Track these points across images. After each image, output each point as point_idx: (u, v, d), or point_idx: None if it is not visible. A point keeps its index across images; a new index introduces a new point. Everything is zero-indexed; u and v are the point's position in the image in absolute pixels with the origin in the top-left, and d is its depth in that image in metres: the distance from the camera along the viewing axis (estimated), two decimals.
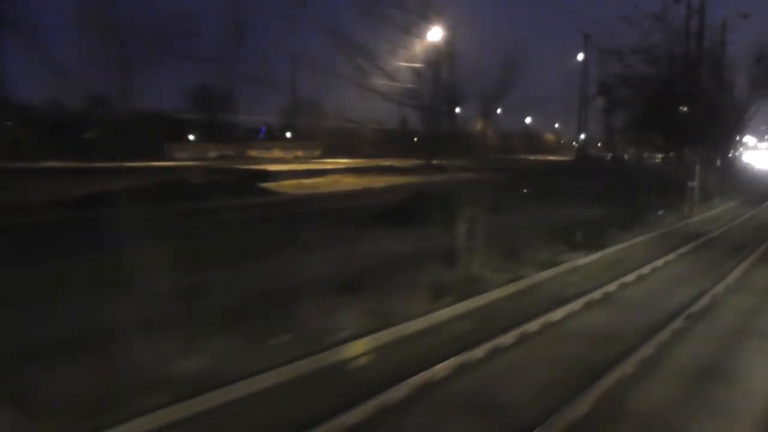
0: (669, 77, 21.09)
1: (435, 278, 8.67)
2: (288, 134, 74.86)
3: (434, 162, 48.52)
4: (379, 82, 9.39)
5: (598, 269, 9.95)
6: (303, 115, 71.70)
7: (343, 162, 45.25)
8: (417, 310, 7.26)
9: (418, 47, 9.72)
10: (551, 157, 71.99)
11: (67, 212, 15.82)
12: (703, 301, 8.00)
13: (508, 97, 11.27)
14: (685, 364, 5.90)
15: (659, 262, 10.55)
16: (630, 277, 9.33)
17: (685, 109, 20.57)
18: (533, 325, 6.83)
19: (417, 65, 9.95)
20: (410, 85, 9.70)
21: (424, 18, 9.36)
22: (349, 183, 31.14)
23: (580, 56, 46.24)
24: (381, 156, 49.33)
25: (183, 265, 9.34)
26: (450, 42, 10.20)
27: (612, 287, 8.71)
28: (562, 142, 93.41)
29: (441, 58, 9.97)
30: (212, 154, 56.80)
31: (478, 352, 5.87)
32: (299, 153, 64.07)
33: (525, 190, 26.27)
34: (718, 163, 25.35)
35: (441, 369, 5.35)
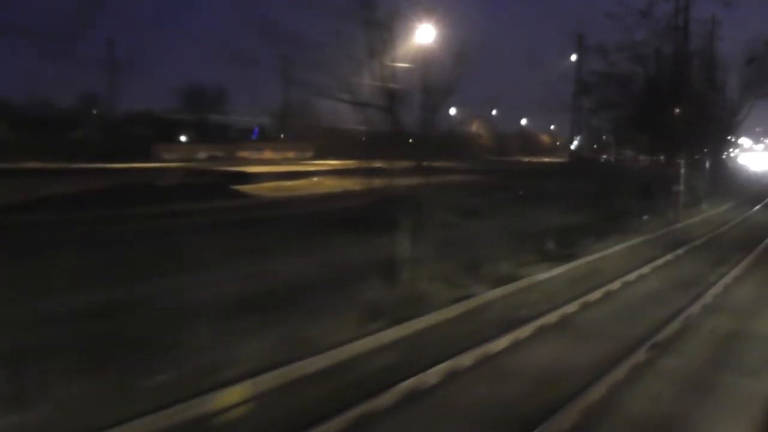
0: (656, 76, 19.99)
1: (374, 296, 7.57)
2: (282, 136, 73.99)
3: (424, 164, 47.78)
4: (314, 75, 8.25)
5: (563, 285, 8.84)
6: (295, 116, 70.81)
7: (329, 164, 44.27)
8: (338, 338, 6.14)
9: (362, 37, 8.58)
10: (546, 159, 70.99)
11: (11, 216, 14.72)
12: (674, 326, 6.89)
13: (458, 91, 10.06)
14: (637, 415, 4.79)
15: (632, 276, 9.44)
16: (596, 295, 8.22)
17: (673, 109, 19.42)
18: (467, 359, 5.72)
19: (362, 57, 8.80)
20: (351, 79, 8.56)
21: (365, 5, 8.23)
22: (329, 185, 30.10)
23: (573, 57, 45.29)
24: (375, 158, 48.26)
25: (96, 278, 8.31)
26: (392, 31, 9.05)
27: (572, 308, 7.60)
28: (558, 143, 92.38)
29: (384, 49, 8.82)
30: (201, 155, 55.71)
31: (387, 399, 4.75)
32: (291, 154, 63.10)
33: (508, 194, 25.26)
34: (708, 165, 24.20)
35: (329, 428, 4.23)
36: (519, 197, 24.04)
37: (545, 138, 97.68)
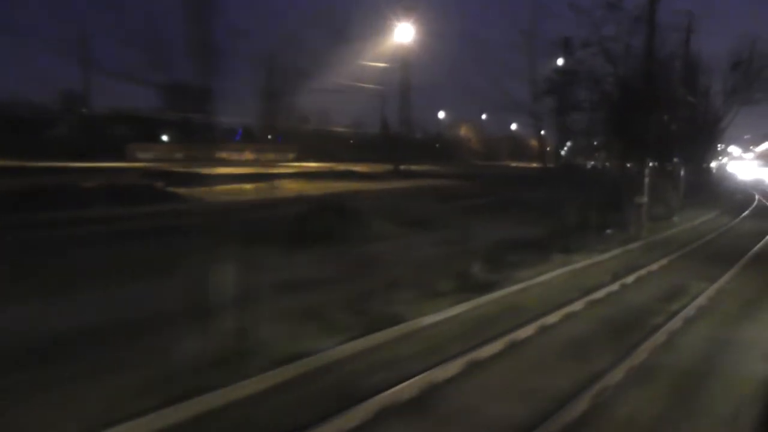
0: (626, 76, 17.84)
1: (190, 348, 5.45)
2: (269, 137, 72.28)
3: (401, 167, 45.74)
4: None
5: (459, 330, 6.66)
6: (280, 117, 68.59)
7: (304, 166, 42.58)
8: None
9: None
10: (534, 164, 69.05)
11: None
12: (578, 407, 4.74)
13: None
14: None
15: (555, 316, 7.27)
16: (493, 348, 6.05)
17: (644, 112, 17.28)
18: None
19: None
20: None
21: None
22: (291, 189, 28.04)
23: (560, 61, 43.19)
24: (359, 161, 46.91)
25: None
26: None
27: (451, 370, 5.42)
28: (548, 148, 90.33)
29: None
30: (178, 155, 53.68)
31: None
32: (272, 156, 61.18)
33: (477, 200, 23.24)
34: (683, 173, 22.02)
35: None
36: (484, 205, 22.04)
37: (534, 143, 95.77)
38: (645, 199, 13.86)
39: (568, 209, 15.74)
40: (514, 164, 73.08)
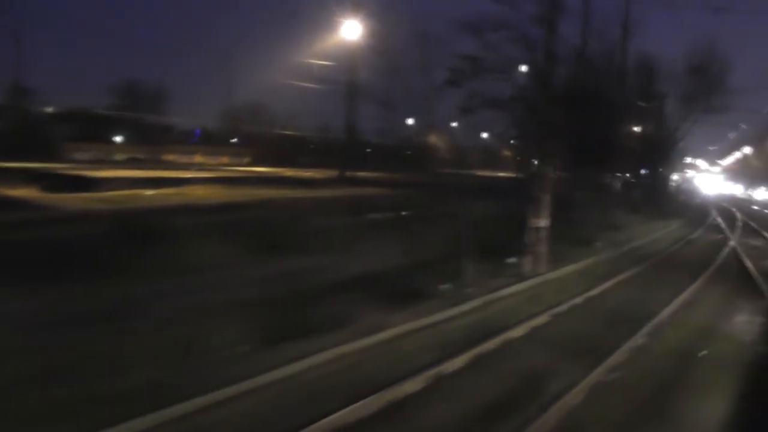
0: (544, 66, 14.12)
1: None
2: (234, 140, 68.81)
3: (348, 174, 41.95)
4: None
5: None
6: (242, 120, 65.44)
7: (242, 170, 38.97)
8: None
9: None
10: (502, 174, 65.80)
11: None
12: None
13: None
14: None
15: None
16: None
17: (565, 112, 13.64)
18: None
19: None
20: None
21: None
22: (196, 196, 24.11)
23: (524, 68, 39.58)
24: (319, 166, 43.53)
25: None
26: None
27: None
28: (518, 158, 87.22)
29: None
30: (119, 156, 49.57)
31: None
32: (225, 159, 57.28)
33: (385, 216, 19.54)
34: (619, 187, 18.44)
35: None
36: (396, 219, 18.33)
37: (506, 152, 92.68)
38: (544, 222, 10.11)
39: (484, 228, 11.99)
40: (483, 173, 69.68)
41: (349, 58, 38.14)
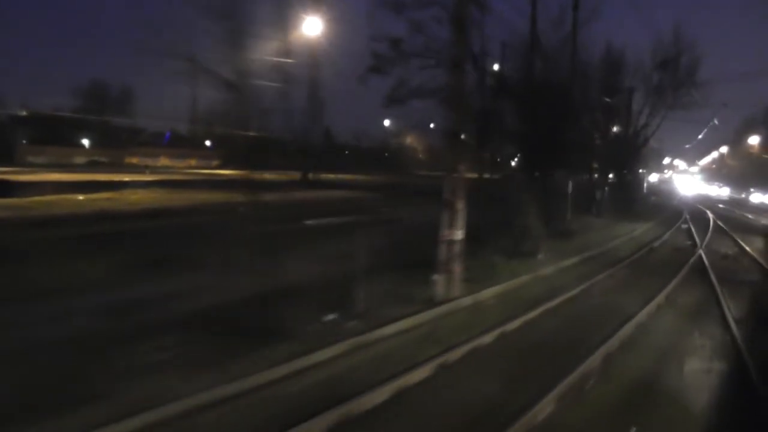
0: (481, 51, 12.13)
1: None
2: (208, 142, 66.22)
3: (311, 177, 39.71)
4: None
5: None
6: (212, 122, 62.82)
7: (204, 173, 36.87)
8: None
9: None
10: (486, 175, 63.79)
11: None
12: None
13: None
14: None
15: None
16: None
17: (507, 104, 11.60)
18: None
19: None
20: None
21: None
22: (128, 202, 21.92)
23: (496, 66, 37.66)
24: (292, 169, 41.48)
25: None
26: None
27: None
28: (498, 159, 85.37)
29: None
30: (79, 159, 47.09)
31: None
32: (193, 162, 54.94)
33: (326, 222, 17.43)
34: (571, 188, 16.46)
35: None
36: (335, 226, 16.21)
37: (488, 153, 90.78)
38: (459, 233, 8.00)
39: (429, 236, 9.93)
40: (458, 176, 67.25)
41: (310, 55, 36.05)
